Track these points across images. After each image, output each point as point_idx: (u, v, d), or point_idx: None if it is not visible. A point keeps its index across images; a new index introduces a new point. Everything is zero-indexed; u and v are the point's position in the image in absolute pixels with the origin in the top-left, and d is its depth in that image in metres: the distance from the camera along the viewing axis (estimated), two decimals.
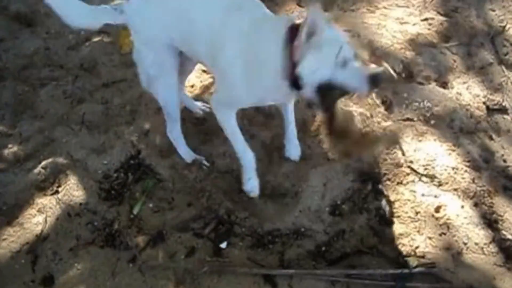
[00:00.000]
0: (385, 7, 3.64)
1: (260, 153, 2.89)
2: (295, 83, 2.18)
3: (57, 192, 2.85)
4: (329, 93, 2.14)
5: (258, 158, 2.83)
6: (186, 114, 3.08)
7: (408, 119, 3.07)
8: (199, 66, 3.12)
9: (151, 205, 2.76)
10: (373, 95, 3.11)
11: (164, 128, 2.89)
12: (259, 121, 3.06)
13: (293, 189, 2.80)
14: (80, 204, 2.79)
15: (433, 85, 3.22)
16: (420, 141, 2.98)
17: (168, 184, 2.82)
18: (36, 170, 2.93)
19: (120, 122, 3.11)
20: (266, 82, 2.29)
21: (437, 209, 2.70)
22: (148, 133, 3.03)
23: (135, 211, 2.73)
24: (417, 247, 2.57)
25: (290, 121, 2.82)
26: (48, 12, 3.79)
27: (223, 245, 2.60)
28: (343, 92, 2.16)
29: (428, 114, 3.09)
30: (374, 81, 2.10)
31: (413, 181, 2.83)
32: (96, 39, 3.63)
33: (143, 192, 2.79)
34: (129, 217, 2.72)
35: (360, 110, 3.08)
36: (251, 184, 2.71)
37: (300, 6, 3.71)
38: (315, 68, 2.10)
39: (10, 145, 3.07)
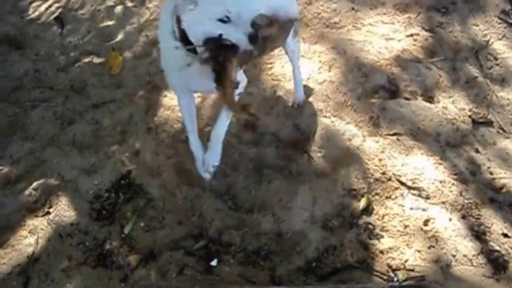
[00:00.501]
0: (370, 24, 3.69)
1: (249, 170, 2.92)
2: (187, 42, 2.22)
3: (48, 213, 2.86)
4: (216, 48, 2.15)
5: (247, 175, 2.87)
6: None
7: (395, 133, 3.11)
8: None
9: (142, 224, 2.78)
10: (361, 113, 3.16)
11: (153, 148, 2.92)
12: (248, 139, 3.09)
13: (282, 205, 2.82)
14: (72, 224, 2.80)
15: (419, 100, 3.26)
16: (407, 155, 3.02)
17: (159, 203, 2.84)
18: (27, 192, 2.95)
19: (111, 142, 3.13)
20: (166, 48, 2.42)
21: (426, 222, 2.74)
22: (139, 153, 3.05)
23: (126, 230, 2.75)
24: (406, 261, 2.60)
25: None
26: (37, 34, 3.87)
27: (214, 262, 2.61)
28: (232, 49, 2.15)
29: (414, 129, 3.12)
30: (253, 37, 2.10)
31: (401, 195, 2.86)
32: (86, 60, 3.65)
33: (134, 212, 2.80)
34: (120, 237, 2.74)
35: (347, 126, 3.11)
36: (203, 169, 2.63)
37: None
38: (195, 22, 2.16)
39: (0, 167, 3.09)
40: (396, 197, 2.85)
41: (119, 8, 3.98)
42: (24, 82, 3.57)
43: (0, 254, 2.74)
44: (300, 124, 3.14)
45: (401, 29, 3.67)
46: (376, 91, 3.32)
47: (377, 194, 2.87)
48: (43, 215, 2.86)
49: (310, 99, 3.24)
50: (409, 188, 2.88)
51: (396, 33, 3.64)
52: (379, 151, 3.02)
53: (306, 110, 3.18)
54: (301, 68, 3.22)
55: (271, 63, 3.46)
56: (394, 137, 3.10)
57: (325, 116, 3.16)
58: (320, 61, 3.46)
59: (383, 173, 2.94)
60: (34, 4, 4.18)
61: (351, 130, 3.11)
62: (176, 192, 2.86)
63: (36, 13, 4.10)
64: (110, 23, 3.85)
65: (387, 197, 2.86)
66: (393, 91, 3.32)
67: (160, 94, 3.37)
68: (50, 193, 2.93)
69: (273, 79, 3.37)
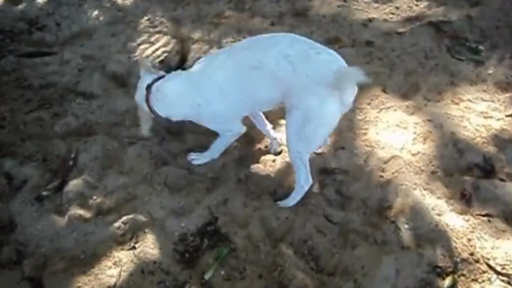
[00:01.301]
0: (469, 100, 3.65)
1: (334, 233, 2.92)
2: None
3: (134, 248, 2.94)
4: None
5: (332, 238, 2.87)
6: None
7: (487, 214, 3.02)
8: None
9: (223, 272, 2.80)
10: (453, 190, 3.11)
11: (242, 198, 2.97)
12: (336, 202, 3.11)
13: (365, 272, 2.77)
14: (155, 262, 2.86)
15: None
16: (498, 238, 2.91)
17: (242, 254, 2.86)
18: (116, 224, 3.05)
19: (201, 188, 3.21)
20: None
21: None
22: (227, 202, 3.11)
23: (207, 276, 2.77)
24: None
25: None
26: None
27: None
28: None
29: (508, 212, 3.02)
30: None
31: (489, 279, 2.75)
32: None
33: (217, 259, 2.84)
34: (200, 282, 2.77)
35: (437, 201, 3.06)
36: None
37: (384, 92, 3.79)
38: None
39: (94, 197, 3.22)
40: (483, 281, 2.75)
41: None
42: (125, 118, 3.75)
43: (84, 281, 2.82)
44: (390, 194, 3.11)
45: (501, 108, 3.61)
46: (470, 168, 3.25)
47: (463, 275, 2.78)
48: (129, 249, 2.94)
49: (403, 170, 3.20)
50: (498, 273, 2.77)
51: (496, 111, 3.58)
52: (468, 230, 2.94)
53: (397, 180, 3.15)
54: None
55: (365, 129, 3.48)
56: (486, 218, 3.01)
57: (415, 188, 3.12)
58: (415, 132, 3.44)
59: (471, 254, 2.84)
60: (142, 46, 4.43)
61: (442, 205, 3.05)
62: (260, 246, 2.88)
63: (143, 55, 4.33)
64: None
65: (473, 280, 2.76)
66: (488, 171, 3.24)
67: (253, 147, 3.45)
68: (138, 228, 3.02)
69: (366, 145, 3.38)
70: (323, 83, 2.63)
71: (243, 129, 3.17)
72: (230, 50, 3.10)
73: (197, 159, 3.37)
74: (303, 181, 2.98)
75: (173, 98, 3.07)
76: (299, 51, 2.69)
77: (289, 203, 3.05)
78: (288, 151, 2.96)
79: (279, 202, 3.08)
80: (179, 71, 3.24)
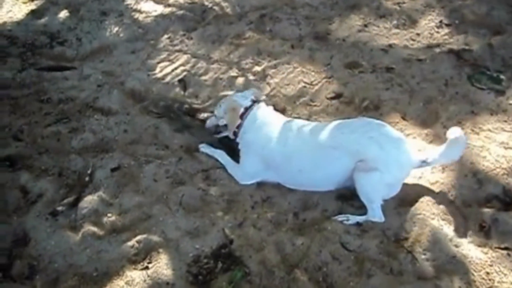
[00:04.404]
0: (490, 130, 3.61)
1: (350, 260, 2.88)
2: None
3: (147, 268, 2.92)
4: None
5: (347, 266, 2.83)
6: None
7: (506, 248, 2.96)
8: None
9: None
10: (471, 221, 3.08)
11: (257, 222, 2.96)
12: (354, 231, 3.07)
13: None
14: (167, 283, 2.83)
15: None
16: None
17: (256, 279, 2.82)
18: (130, 243, 3.03)
19: (216, 210, 3.20)
20: None
21: None
22: (242, 225, 3.09)
23: None
24: None
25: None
26: (160, 92, 4.08)
27: None
28: None
29: None
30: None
31: None
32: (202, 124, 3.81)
33: (230, 283, 2.81)
34: None
35: (455, 232, 3.01)
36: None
37: (404, 119, 3.76)
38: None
39: (109, 214, 3.21)
40: None
41: (240, 80, 4.16)
42: (142, 137, 3.75)
43: None
44: (407, 223, 3.07)
45: None
46: (489, 200, 3.21)
47: None
48: (142, 269, 2.92)
49: (421, 199, 3.16)
50: None
51: None
52: (487, 263, 2.88)
53: (415, 210, 3.11)
54: None
55: None
56: (505, 252, 2.95)
57: (433, 218, 3.07)
58: None
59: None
60: (161, 64, 4.45)
61: (460, 236, 3.00)
62: (275, 271, 2.84)
63: (162, 73, 4.36)
64: (230, 92, 3.99)
65: None
66: (507, 203, 3.19)
67: None
68: (151, 248, 3.00)
69: None
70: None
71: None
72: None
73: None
74: (378, 217, 3.13)
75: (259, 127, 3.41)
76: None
77: (352, 220, 3.12)
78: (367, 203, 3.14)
79: (339, 216, 3.14)
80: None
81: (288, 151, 3.26)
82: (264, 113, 3.48)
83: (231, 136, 3.51)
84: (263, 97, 3.62)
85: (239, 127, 3.44)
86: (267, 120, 3.43)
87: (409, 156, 3.15)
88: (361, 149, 3.11)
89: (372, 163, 3.06)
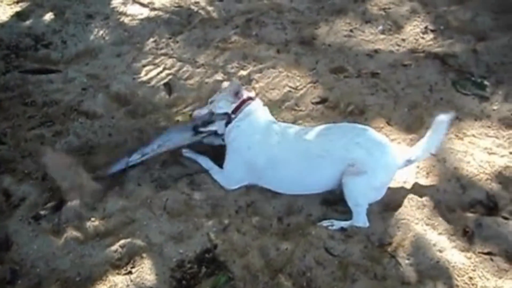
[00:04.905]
0: (474, 135, 3.64)
1: (334, 265, 2.88)
2: None
3: (130, 272, 2.89)
4: None
5: (331, 271, 2.83)
6: None
7: (489, 253, 2.98)
8: None
9: None
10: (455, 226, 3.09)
11: (241, 227, 2.94)
12: (338, 236, 3.07)
13: None
14: None
15: None
16: (500, 278, 2.87)
17: (240, 283, 2.81)
18: (113, 248, 3.00)
19: (200, 214, 3.18)
20: None
21: None
22: (226, 229, 3.08)
23: None
24: None
25: None
26: (146, 96, 4.06)
27: None
28: None
29: (511, 251, 2.99)
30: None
31: None
32: None
33: None
34: None
35: (439, 237, 3.02)
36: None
37: (389, 124, 3.78)
38: None
39: (93, 218, 3.18)
40: None
41: (226, 84, 4.14)
42: (127, 140, 3.72)
43: None
44: (391, 227, 3.08)
45: (505, 145, 3.60)
46: (473, 205, 3.23)
47: None
48: (125, 274, 2.89)
49: (405, 204, 3.18)
50: None
51: (500, 148, 3.57)
52: (470, 268, 2.90)
53: (399, 215, 3.13)
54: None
55: None
56: (488, 257, 2.97)
57: (417, 223, 3.09)
58: (418, 166, 3.43)
59: None
60: (147, 68, 4.43)
61: (443, 241, 3.01)
62: (259, 276, 2.83)
63: (147, 77, 4.35)
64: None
65: None
66: (490, 208, 3.21)
67: None
68: (135, 253, 2.98)
69: None
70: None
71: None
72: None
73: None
74: (362, 222, 3.14)
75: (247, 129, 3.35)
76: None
77: (336, 225, 3.13)
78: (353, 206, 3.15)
79: (324, 222, 3.14)
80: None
81: (274, 156, 3.26)
82: (256, 114, 3.41)
83: (221, 131, 3.42)
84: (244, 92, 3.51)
85: (229, 121, 3.37)
86: (257, 123, 3.38)
87: (394, 158, 3.19)
88: (349, 155, 3.12)
89: (361, 167, 3.08)
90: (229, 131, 3.38)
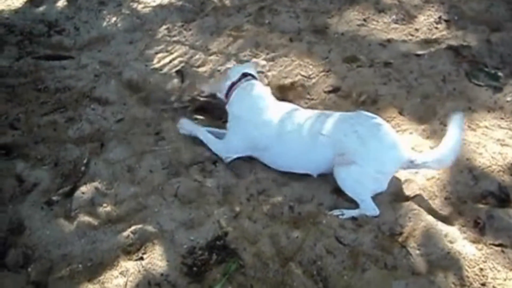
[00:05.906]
0: (486, 127, 3.62)
1: (345, 254, 2.88)
2: None
3: (141, 258, 2.91)
4: None
5: (341, 260, 2.83)
6: None
7: (501, 244, 2.96)
8: None
9: None
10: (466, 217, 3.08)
11: (253, 214, 2.94)
12: (349, 225, 3.07)
13: None
14: (162, 274, 2.82)
15: None
16: (511, 270, 2.86)
17: (250, 271, 2.82)
18: (125, 233, 3.02)
19: (212, 201, 3.19)
20: None
21: None
22: (237, 217, 3.09)
23: None
24: None
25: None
26: (158, 83, 4.07)
27: None
28: None
29: None
30: None
31: None
32: (200, 116, 3.80)
33: (224, 275, 2.80)
34: None
35: (450, 228, 3.02)
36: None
37: (401, 114, 3.76)
38: None
39: (105, 204, 3.20)
40: None
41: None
42: (139, 126, 3.73)
43: None
44: (403, 218, 3.07)
45: None
46: (485, 196, 3.21)
47: None
48: (136, 260, 2.91)
49: (417, 194, 3.17)
50: None
51: None
52: (481, 260, 2.88)
53: (410, 205, 3.11)
54: None
55: None
56: (499, 248, 2.95)
57: (428, 214, 3.08)
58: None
59: (483, 284, 2.79)
60: (159, 55, 4.44)
61: (454, 232, 3.00)
62: (269, 263, 2.84)
63: (160, 64, 4.36)
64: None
65: None
66: (502, 200, 3.19)
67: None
68: (146, 239, 2.99)
69: None
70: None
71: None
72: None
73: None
74: (370, 210, 3.13)
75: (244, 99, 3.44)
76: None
77: (347, 214, 3.12)
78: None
79: (334, 211, 3.14)
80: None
81: (277, 134, 3.29)
82: (257, 91, 3.47)
83: (223, 99, 3.57)
84: (262, 69, 3.66)
85: (227, 96, 3.50)
86: (259, 99, 3.43)
87: (396, 153, 3.13)
88: (344, 140, 3.13)
89: (350, 157, 3.08)
90: (228, 108, 3.49)
